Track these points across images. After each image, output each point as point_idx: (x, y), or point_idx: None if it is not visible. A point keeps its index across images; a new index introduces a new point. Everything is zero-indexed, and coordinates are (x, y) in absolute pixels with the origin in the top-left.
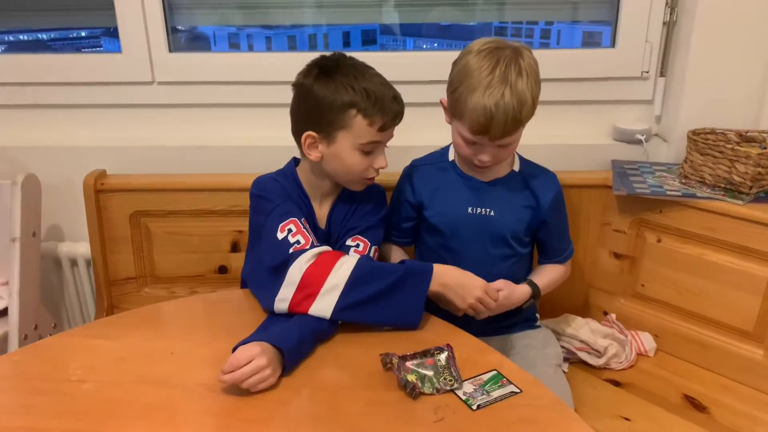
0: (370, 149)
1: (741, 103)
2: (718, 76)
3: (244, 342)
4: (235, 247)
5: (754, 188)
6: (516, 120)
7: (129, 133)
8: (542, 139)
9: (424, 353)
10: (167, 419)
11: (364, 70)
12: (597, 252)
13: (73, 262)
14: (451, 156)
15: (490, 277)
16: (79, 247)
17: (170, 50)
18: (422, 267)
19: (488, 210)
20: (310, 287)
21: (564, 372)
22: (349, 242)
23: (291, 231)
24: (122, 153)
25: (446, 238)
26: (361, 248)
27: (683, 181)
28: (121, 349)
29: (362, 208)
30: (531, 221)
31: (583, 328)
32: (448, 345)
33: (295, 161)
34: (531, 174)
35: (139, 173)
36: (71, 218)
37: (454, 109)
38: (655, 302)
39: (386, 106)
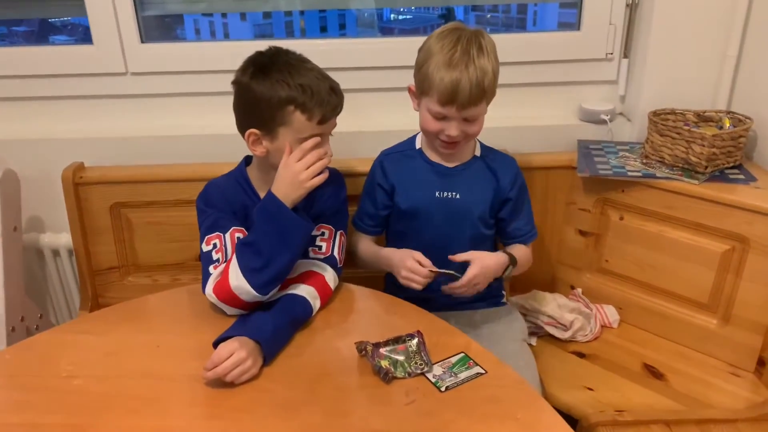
0: (318, 142)
1: (700, 83)
2: (679, 57)
3: (222, 337)
4: None
5: (708, 168)
6: (480, 87)
7: (105, 124)
8: (510, 121)
9: (396, 340)
10: (157, 411)
11: (300, 64)
12: (564, 230)
13: (56, 253)
14: (418, 144)
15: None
16: (60, 237)
17: (142, 41)
18: (267, 202)
19: (454, 193)
20: (221, 291)
21: (532, 345)
22: (314, 232)
23: (215, 246)
24: (99, 144)
25: (415, 222)
26: (326, 236)
27: (644, 161)
28: (109, 343)
29: (322, 195)
30: (494, 201)
31: (551, 304)
32: (418, 332)
33: (248, 160)
34: (491, 158)
35: (117, 164)
36: (51, 209)
37: (422, 86)
38: (618, 277)
39: (324, 99)
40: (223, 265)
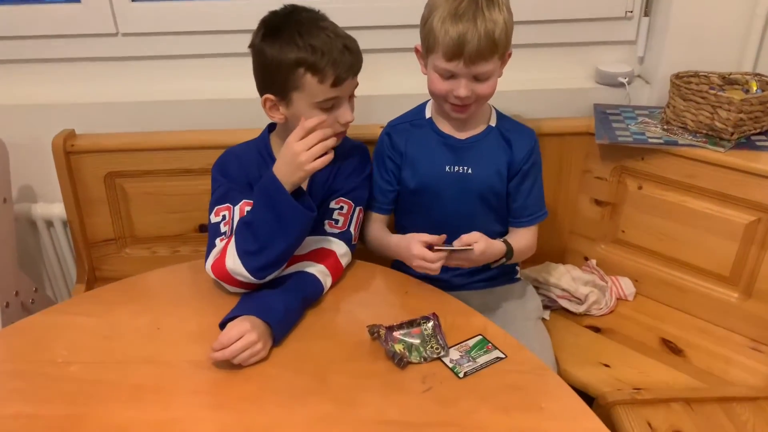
0: (330, 105)
1: (725, 44)
2: (704, 15)
3: (230, 316)
4: None
5: (735, 134)
6: (490, 39)
7: (96, 88)
8: (522, 84)
9: (411, 323)
10: (157, 399)
11: (313, 22)
12: (578, 199)
13: (49, 224)
14: (428, 113)
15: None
16: (53, 208)
17: None
18: (266, 181)
19: (466, 168)
20: (217, 269)
21: (545, 320)
22: (332, 204)
23: (224, 218)
24: (90, 110)
25: (423, 199)
26: (345, 210)
27: (665, 127)
28: (106, 326)
29: (345, 169)
30: (508, 174)
31: (565, 276)
32: (434, 314)
33: (271, 127)
34: (507, 128)
35: (110, 131)
36: (42, 178)
37: (427, 43)
38: (635, 248)
39: (336, 59)
40: (225, 242)
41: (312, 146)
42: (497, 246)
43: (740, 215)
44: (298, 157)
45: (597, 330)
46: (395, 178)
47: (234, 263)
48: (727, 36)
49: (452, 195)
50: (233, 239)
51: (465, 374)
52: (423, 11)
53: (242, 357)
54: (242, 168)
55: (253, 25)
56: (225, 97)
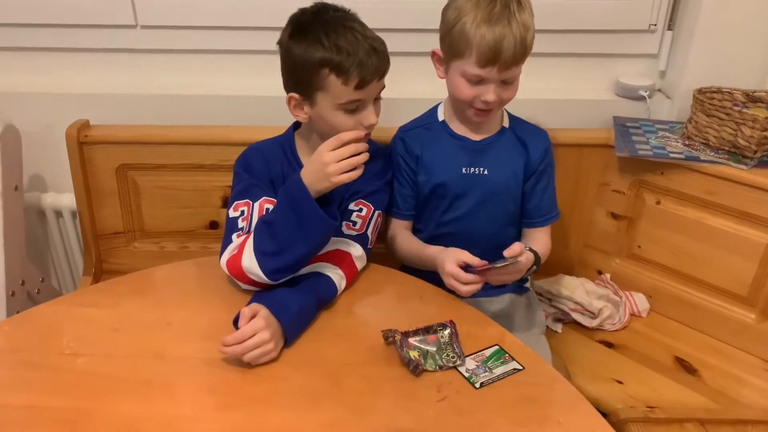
0: (354, 107)
1: (749, 61)
2: (728, 31)
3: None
4: (226, 203)
5: (758, 152)
6: (524, 44)
7: (113, 80)
8: (541, 94)
9: (427, 329)
10: (165, 396)
11: (340, 22)
12: (594, 212)
13: (58, 214)
14: (441, 116)
15: (488, 239)
16: (63, 198)
17: None
18: (292, 184)
19: (482, 169)
20: (235, 273)
21: (557, 333)
22: (351, 206)
23: (243, 214)
24: (106, 101)
25: (441, 201)
26: (363, 213)
27: (686, 142)
28: (115, 318)
29: (367, 171)
30: (525, 176)
31: (578, 290)
32: (451, 321)
33: (296, 125)
34: (521, 129)
35: (124, 123)
36: (53, 168)
37: (454, 49)
38: (650, 263)
39: (362, 61)
40: (242, 239)
41: (343, 159)
42: (528, 257)
43: (760, 235)
44: (327, 168)
45: (610, 345)
46: (413, 182)
47: (250, 262)
48: (752, 53)
49: (469, 197)
50: (251, 237)
51: (481, 384)
52: (444, 16)
53: (252, 355)
54: (265, 164)
55: (275, 22)
56: (242, 94)
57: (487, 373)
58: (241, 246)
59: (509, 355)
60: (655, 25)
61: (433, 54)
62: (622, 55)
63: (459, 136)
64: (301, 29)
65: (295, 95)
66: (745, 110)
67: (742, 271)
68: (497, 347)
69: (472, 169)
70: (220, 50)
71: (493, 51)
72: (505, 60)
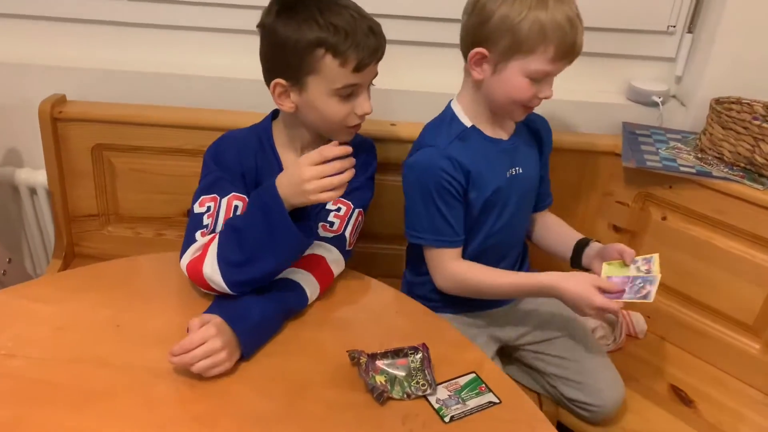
0: (349, 93)
1: None
2: (753, 37)
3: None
4: None
5: None
6: (582, 30)
7: (93, 54)
8: None
9: (397, 352)
10: (102, 409)
11: (334, 0)
12: (595, 222)
13: (32, 191)
14: (466, 121)
15: (521, 240)
16: (38, 175)
17: None
18: (265, 192)
19: (518, 168)
20: (193, 272)
21: None
22: (329, 205)
23: (209, 210)
24: (84, 76)
25: (491, 212)
26: (342, 212)
27: (699, 155)
28: (61, 316)
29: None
30: (541, 163)
31: None
32: (423, 345)
33: (275, 113)
34: (528, 119)
35: (104, 100)
36: (28, 143)
37: (519, 46)
38: None
39: (360, 41)
40: (206, 239)
41: (325, 176)
42: None
43: None
44: (306, 184)
45: None
46: (465, 202)
47: (212, 270)
48: None
49: (514, 200)
50: (215, 242)
51: (451, 418)
52: (481, 11)
53: (201, 366)
54: (238, 155)
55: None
56: (228, 75)
57: (459, 405)
58: (205, 248)
59: (486, 385)
60: (674, 26)
61: (477, 55)
62: (637, 57)
63: (494, 139)
64: (289, 7)
65: (282, 81)
66: (765, 125)
67: (749, 297)
68: (474, 375)
69: (513, 171)
70: (210, 28)
71: (571, 37)
72: (579, 45)
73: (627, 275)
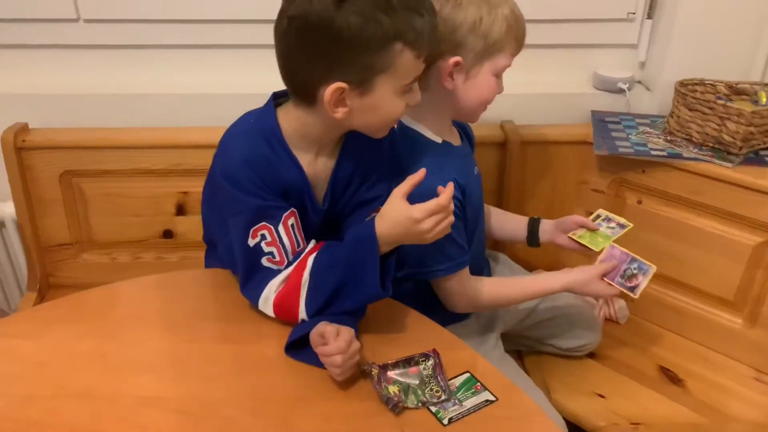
0: (410, 87)
1: (733, 51)
2: (711, 20)
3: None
4: (180, 210)
5: (744, 149)
6: None
7: (54, 79)
8: (516, 88)
9: (408, 361)
10: None
11: None
12: (573, 212)
13: (1, 224)
14: (433, 136)
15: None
16: (5, 207)
17: None
18: (364, 236)
19: (476, 168)
20: (284, 310)
21: None
22: (373, 213)
23: (264, 238)
24: (46, 102)
25: (477, 220)
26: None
27: (668, 138)
28: (42, 351)
29: (373, 168)
30: None
31: None
32: (434, 350)
33: (269, 116)
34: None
35: (67, 126)
36: None
37: (492, 47)
38: None
39: (425, 24)
40: (289, 271)
41: (440, 223)
42: None
43: (747, 236)
44: (425, 235)
45: (591, 355)
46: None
47: (304, 315)
48: (736, 42)
49: (481, 201)
50: (304, 293)
51: (450, 420)
52: (459, 17)
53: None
54: (274, 175)
55: (226, 15)
56: (194, 92)
57: (456, 407)
58: (294, 286)
59: (481, 383)
60: (634, 13)
61: (453, 64)
62: (600, 46)
63: (459, 147)
64: None
65: (343, 85)
66: (729, 104)
67: (727, 274)
68: (468, 375)
69: (476, 170)
70: (170, 45)
71: (524, 34)
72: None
73: (605, 239)
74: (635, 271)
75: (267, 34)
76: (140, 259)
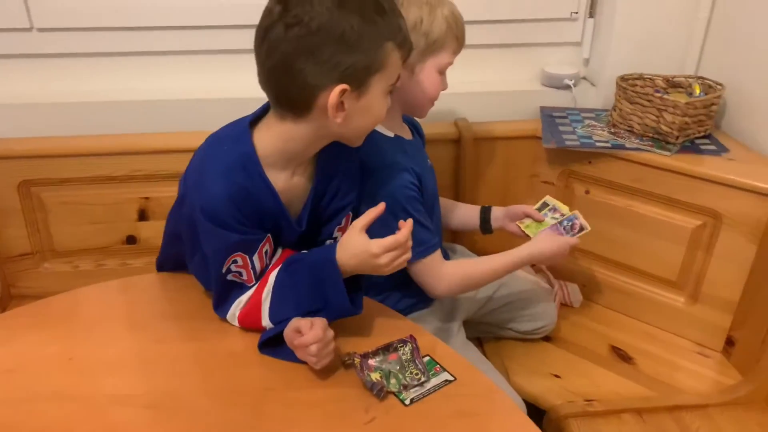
0: (395, 87)
1: (668, 46)
2: (647, 18)
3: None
4: (143, 215)
5: (680, 138)
6: None
7: (7, 89)
8: (468, 86)
9: (387, 348)
10: None
11: None
12: (525, 203)
13: None
14: (387, 132)
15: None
16: None
17: None
18: (324, 259)
19: (429, 161)
20: (248, 324)
21: None
22: (343, 221)
23: (236, 263)
24: (1, 112)
25: (435, 207)
26: (344, 225)
27: (612, 130)
28: (10, 357)
29: (344, 177)
30: None
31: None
32: (411, 336)
33: (244, 136)
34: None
35: (23, 136)
36: None
37: (433, 44)
38: (582, 252)
39: (404, 26)
40: (251, 292)
41: (396, 259)
42: None
43: (686, 219)
44: (381, 268)
45: (547, 338)
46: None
47: (267, 323)
48: (671, 39)
49: (436, 192)
50: (266, 308)
51: (411, 401)
52: (416, 15)
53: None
54: (255, 203)
55: (182, 21)
56: (149, 98)
57: (417, 387)
58: (255, 305)
59: (440, 365)
60: (577, 13)
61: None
62: (546, 44)
63: (410, 140)
64: None
65: (345, 87)
66: (666, 96)
67: (670, 256)
68: (428, 358)
69: (429, 162)
70: (123, 52)
71: (464, 33)
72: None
73: (551, 225)
74: (569, 224)
75: (220, 40)
76: (103, 266)
